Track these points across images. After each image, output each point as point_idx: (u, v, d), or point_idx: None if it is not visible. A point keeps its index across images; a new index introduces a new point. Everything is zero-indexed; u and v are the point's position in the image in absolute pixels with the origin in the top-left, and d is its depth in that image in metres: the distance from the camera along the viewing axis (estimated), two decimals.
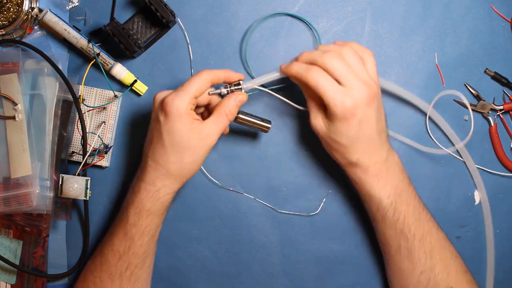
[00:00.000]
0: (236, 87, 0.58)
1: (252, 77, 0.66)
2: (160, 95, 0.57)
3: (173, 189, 0.58)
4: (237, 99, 0.57)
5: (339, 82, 0.54)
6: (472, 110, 0.66)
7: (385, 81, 0.64)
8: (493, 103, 0.66)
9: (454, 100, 0.67)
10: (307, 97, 0.58)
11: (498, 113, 0.66)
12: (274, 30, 0.66)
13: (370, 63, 0.57)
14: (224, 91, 0.58)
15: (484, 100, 0.66)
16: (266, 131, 0.61)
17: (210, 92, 0.57)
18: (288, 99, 0.60)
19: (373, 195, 0.58)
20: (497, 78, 0.66)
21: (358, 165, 0.58)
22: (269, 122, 0.61)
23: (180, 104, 0.54)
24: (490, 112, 0.66)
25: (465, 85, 0.66)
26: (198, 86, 0.55)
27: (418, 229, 0.57)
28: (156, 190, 0.57)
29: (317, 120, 0.57)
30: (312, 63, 0.56)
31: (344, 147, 0.57)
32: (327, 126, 0.57)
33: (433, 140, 0.66)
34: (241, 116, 0.59)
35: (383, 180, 0.58)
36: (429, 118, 0.66)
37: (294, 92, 0.65)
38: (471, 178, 0.67)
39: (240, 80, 0.58)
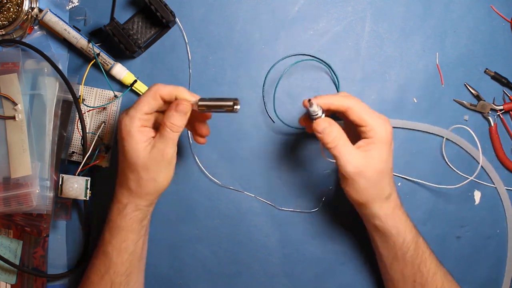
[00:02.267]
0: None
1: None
2: (120, 117, 0.56)
3: (139, 206, 0.57)
4: (178, 109, 0.53)
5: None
6: (472, 110, 0.66)
7: (397, 121, 0.66)
8: (493, 103, 0.66)
9: (454, 100, 0.66)
10: (334, 144, 0.53)
11: (498, 113, 0.66)
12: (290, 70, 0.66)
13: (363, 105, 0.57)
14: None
15: (484, 100, 0.66)
16: (234, 111, 0.53)
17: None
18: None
19: (400, 229, 0.57)
20: (497, 78, 0.66)
21: (391, 198, 0.56)
22: (233, 100, 0.52)
23: (129, 123, 0.54)
24: (490, 112, 0.66)
25: (465, 85, 0.66)
26: (147, 102, 0.54)
27: (432, 263, 0.57)
28: (123, 207, 0.57)
29: (355, 160, 0.53)
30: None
31: (385, 178, 0.55)
32: (367, 160, 0.53)
33: (450, 167, 0.66)
34: (200, 103, 0.53)
35: (405, 214, 0.58)
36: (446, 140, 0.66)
37: None
38: (500, 201, 0.67)
39: (195, 100, 0.54)
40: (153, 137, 0.55)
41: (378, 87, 0.67)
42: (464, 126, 0.66)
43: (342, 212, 0.67)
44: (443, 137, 0.66)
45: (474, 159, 0.66)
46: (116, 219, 0.57)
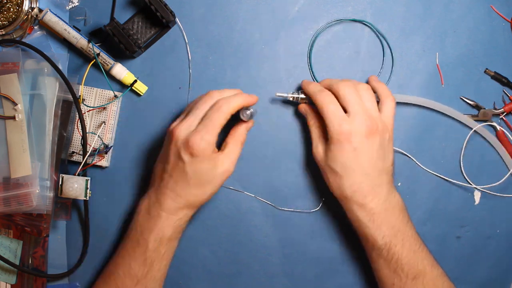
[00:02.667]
0: (301, 96, 0.63)
1: (317, 80, 0.66)
2: (179, 132, 0.56)
3: (191, 215, 0.59)
4: (248, 128, 0.61)
5: (345, 111, 0.57)
6: (475, 120, 0.66)
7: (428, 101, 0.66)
8: (494, 108, 0.66)
9: (461, 98, 0.66)
10: (311, 126, 0.61)
11: (501, 117, 0.66)
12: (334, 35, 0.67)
13: (388, 107, 0.59)
14: (295, 96, 0.63)
15: (484, 108, 0.66)
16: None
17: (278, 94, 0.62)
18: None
19: (367, 234, 0.58)
20: (497, 78, 0.66)
21: (353, 200, 0.58)
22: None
23: (207, 146, 0.55)
24: (492, 117, 0.66)
25: (461, 98, 0.66)
26: (221, 123, 0.55)
27: (411, 269, 0.57)
28: (178, 219, 0.58)
29: (318, 148, 0.60)
30: (328, 88, 0.59)
31: (339, 177, 0.57)
32: (325, 153, 0.58)
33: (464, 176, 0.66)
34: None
35: (379, 220, 0.57)
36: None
37: None
38: None
39: (252, 103, 0.59)
40: (219, 152, 0.58)
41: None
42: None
43: (342, 212, 0.66)
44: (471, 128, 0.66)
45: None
46: (168, 230, 0.58)
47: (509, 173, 0.66)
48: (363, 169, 0.56)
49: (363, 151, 0.56)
